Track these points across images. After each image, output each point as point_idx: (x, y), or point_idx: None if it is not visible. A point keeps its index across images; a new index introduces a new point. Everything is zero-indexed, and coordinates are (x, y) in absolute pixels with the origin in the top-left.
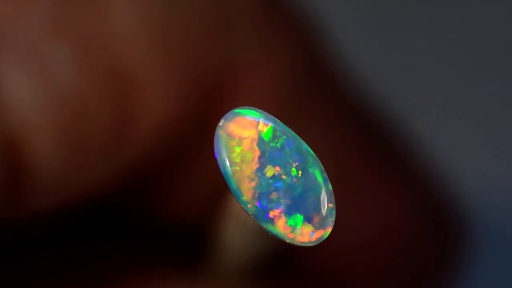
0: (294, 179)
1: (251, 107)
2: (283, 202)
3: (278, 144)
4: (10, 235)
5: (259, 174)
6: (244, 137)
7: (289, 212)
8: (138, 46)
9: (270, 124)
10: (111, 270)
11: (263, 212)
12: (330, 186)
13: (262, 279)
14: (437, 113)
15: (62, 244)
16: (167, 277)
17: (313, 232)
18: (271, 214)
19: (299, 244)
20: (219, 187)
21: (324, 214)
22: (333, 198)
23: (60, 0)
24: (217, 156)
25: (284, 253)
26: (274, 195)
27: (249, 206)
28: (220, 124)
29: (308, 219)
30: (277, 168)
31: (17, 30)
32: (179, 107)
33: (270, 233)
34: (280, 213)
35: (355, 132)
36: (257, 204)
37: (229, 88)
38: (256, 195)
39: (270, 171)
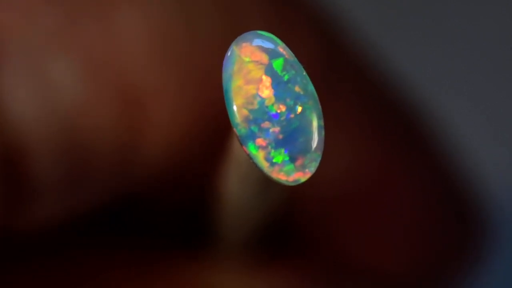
0: (291, 115)
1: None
2: (272, 133)
3: (286, 77)
4: (16, 244)
5: (258, 99)
6: (255, 60)
7: (275, 145)
8: (146, 60)
9: (283, 56)
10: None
11: (251, 137)
12: (323, 133)
13: (262, 248)
14: (462, 102)
15: (67, 251)
16: (174, 260)
17: (292, 171)
18: (257, 142)
19: (275, 179)
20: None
21: (308, 157)
22: (322, 145)
23: (65, 14)
24: (224, 69)
25: (284, 220)
26: (266, 124)
27: (239, 127)
28: (237, 40)
29: (292, 159)
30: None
31: (20, 44)
32: (191, 123)
33: (251, 160)
34: (266, 144)
35: (376, 124)
36: (247, 127)
37: None
38: (250, 118)
39: (270, 100)
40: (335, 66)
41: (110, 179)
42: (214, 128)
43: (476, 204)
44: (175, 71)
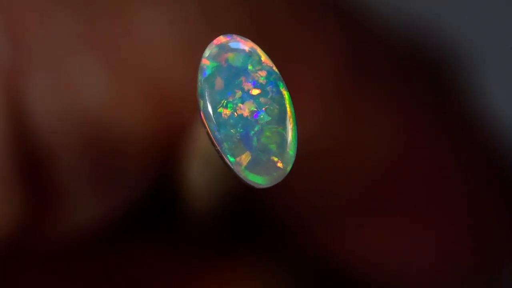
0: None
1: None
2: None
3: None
4: (46, 249)
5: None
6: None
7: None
8: (169, 55)
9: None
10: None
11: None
12: (292, 151)
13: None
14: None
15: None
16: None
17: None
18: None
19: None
20: None
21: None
22: (289, 161)
23: (85, 13)
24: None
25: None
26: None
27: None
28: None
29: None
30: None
31: (42, 44)
32: None
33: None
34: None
35: (410, 120)
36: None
37: None
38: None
39: (250, 107)
40: (363, 64)
41: (142, 174)
42: None
43: None
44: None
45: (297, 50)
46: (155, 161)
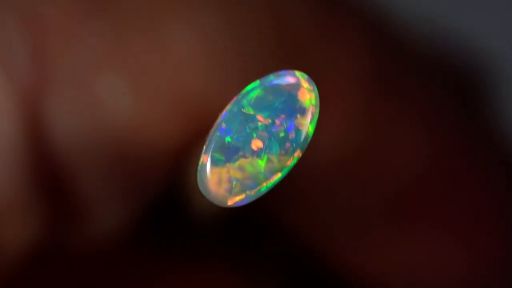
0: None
1: None
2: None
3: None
4: (71, 262)
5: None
6: None
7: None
8: (200, 72)
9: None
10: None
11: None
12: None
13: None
14: None
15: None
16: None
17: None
18: None
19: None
20: None
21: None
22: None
23: (112, 31)
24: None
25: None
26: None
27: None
28: None
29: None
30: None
31: (66, 63)
32: None
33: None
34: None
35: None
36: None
37: None
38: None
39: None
40: (390, 72)
41: (162, 184)
42: None
43: None
44: (229, 82)
45: (324, 65)
46: (179, 176)
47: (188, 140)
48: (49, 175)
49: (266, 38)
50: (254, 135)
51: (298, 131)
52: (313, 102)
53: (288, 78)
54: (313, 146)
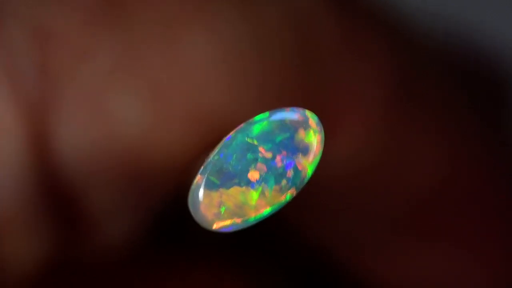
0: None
1: None
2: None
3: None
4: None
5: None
6: None
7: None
8: (216, 85)
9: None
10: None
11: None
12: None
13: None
14: None
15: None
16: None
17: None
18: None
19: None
20: None
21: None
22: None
23: (126, 46)
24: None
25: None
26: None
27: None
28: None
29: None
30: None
31: (76, 80)
32: None
33: None
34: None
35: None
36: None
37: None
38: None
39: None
40: (409, 83)
41: (171, 198)
42: None
43: None
44: (248, 94)
45: (346, 77)
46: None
47: (201, 156)
48: (58, 189)
49: (287, 47)
50: (253, 166)
51: (297, 170)
52: (317, 143)
53: (297, 115)
54: (331, 157)
